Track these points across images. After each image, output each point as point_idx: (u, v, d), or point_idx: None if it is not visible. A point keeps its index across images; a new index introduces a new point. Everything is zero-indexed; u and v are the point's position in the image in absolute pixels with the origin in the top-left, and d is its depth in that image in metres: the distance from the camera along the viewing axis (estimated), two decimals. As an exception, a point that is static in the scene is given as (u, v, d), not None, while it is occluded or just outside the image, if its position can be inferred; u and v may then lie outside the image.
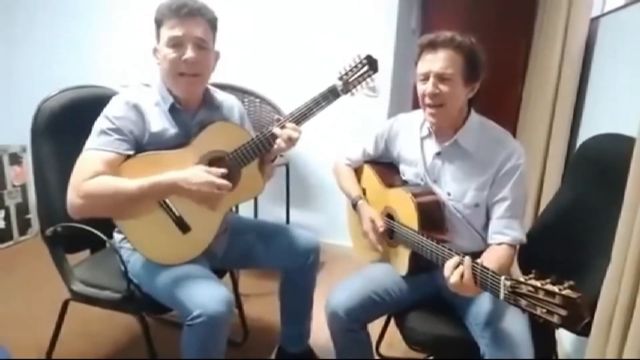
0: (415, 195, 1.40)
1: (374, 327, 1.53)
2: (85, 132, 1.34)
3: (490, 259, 1.25)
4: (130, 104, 1.35)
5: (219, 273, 1.60)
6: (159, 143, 1.37)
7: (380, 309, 1.43)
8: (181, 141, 1.40)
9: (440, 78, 1.31)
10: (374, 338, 1.56)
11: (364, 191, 1.62)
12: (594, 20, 1.99)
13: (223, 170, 1.34)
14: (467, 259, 1.13)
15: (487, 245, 1.37)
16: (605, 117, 1.78)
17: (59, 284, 1.52)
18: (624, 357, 0.96)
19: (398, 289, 1.43)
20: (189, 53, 1.32)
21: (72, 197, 1.28)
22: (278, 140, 1.39)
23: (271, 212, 2.89)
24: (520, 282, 0.97)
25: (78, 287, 1.49)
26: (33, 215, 2.96)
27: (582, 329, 0.90)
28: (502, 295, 1.02)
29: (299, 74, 2.80)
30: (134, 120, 1.35)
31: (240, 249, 1.63)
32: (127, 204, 1.30)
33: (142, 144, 1.36)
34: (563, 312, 0.87)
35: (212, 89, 1.53)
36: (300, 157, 2.93)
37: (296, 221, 2.92)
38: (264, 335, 2.02)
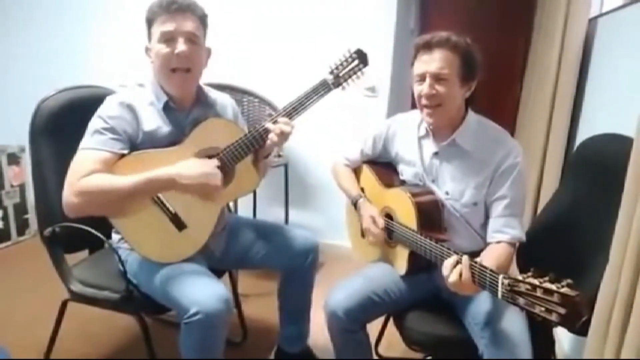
0: (413, 195, 1.40)
1: (373, 327, 1.53)
2: (84, 132, 1.34)
3: (489, 258, 1.25)
4: (124, 104, 1.36)
5: (218, 273, 1.60)
6: (153, 141, 1.38)
7: (380, 309, 1.43)
8: (175, 139, 1.40)
9: (437, 78, 1.31)
10: (372, 338, 1.56)
11: (362, 191, 1.62)
12: (593, 20, 1.99)
13: (215, 161, 1.35)
14: (465, 257, 1.13)
15: (486, 245, 1.37)
16: (604, 117, 1.79)
17: (57, 284, 1.51)
18: (622, 357, 0.96)
19: (397, 289, 1.43)
20: (181, 47, 1.33)
21: (68, 195, 1.28)
22: (271, 135, 1.40)
23: (270, 212, 2.89)
24: (519, 281, 0.96)
25: (77, 287, 1.49)
26: (31, 216, 2.96)
27: (580, 328, 0.90)
28: (500, 294, 1.01)
29: (298, 74, 2.77)
30: (128, 120, 1.35)
31: (239, 249, 1.63)
32: (123, 200, 1.30)
33: (136, 143, 1.37)
34: (562, 310, 0.87)
35: (206, 87, 1.53)
36: (299, 157, 2.93)
37: (295, 221, 2.91)
38: (263, 335, 2.02)
